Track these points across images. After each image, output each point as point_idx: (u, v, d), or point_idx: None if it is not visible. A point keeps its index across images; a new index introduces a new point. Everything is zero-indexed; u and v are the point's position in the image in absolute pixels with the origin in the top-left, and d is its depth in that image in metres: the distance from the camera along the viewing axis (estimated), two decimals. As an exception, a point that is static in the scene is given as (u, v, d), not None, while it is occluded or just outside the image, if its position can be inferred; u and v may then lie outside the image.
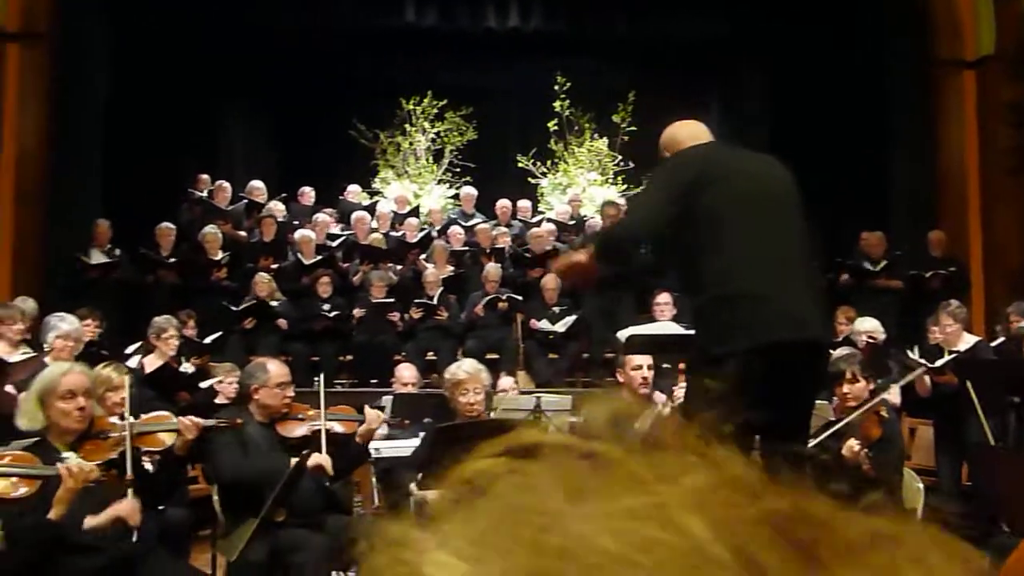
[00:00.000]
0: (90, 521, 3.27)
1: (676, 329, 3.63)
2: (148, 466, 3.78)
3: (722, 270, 3.02)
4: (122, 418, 3.60)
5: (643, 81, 11.90)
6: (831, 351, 4.37)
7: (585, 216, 10.88)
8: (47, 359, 5.41)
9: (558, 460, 0.43)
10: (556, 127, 11.87)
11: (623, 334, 3.66)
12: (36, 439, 3.44)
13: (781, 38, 10.79)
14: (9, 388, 5.02)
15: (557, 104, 11.75)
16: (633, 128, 11.73)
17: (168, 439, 3.70)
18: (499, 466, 0.44)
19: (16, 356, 5.51)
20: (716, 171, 3.12)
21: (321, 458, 4.08)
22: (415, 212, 10.96)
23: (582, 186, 11.77)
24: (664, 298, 7.47)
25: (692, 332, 3.34)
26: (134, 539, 3.30)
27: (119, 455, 3.42)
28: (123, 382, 4.21)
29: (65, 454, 3.33)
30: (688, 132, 3.40)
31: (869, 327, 6.86)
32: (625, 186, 11.82)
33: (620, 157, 11.90)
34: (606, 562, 0.37)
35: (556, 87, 11.67)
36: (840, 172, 9.87)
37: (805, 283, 3.09)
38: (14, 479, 3.01)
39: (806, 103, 10.42)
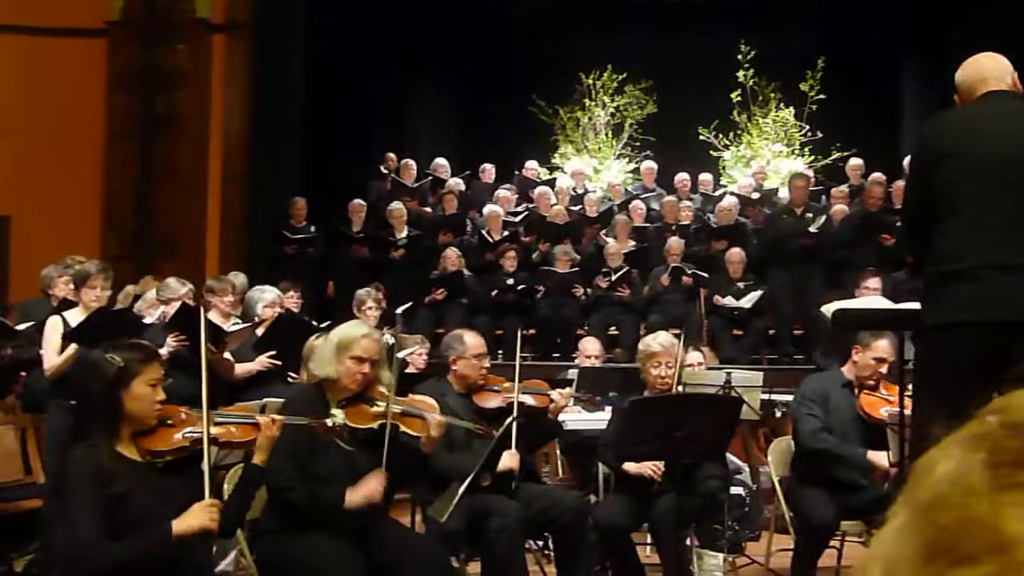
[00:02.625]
0: (350, 499, 3.45)
1: (886, 304, 3.46)
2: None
3: (943, 246, 2.96)
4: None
5: (832, 47, 11.37)
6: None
7: (769, 189, 10.56)
8: (259, 330, 5.80)
9: None
10: (739, 98, 11.52)
11: (828, 309, 3.53)
12: (316, 384, 3.68)
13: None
14: (227, 355, 5.40)
15: (740, 74, 11.40)
16: (822, 96, 11.26)
17: (421, 426, 3.72)
18: None
19: (228, 326, 5.89)
20: (951, 143, 2.98)
21: (511, 460, 4.12)
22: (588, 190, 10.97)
23: (766, 158, 11.40)
24: (874, 283, 7.00)
25: (905, 307, 3.25)
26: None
27: (379, 427, 3.56)
28: None
29: (333, 410, 3.54)
30: (977, 75, 3.08)
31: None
32: (812, 158, 11.37)
33: (807, 127, 11.44)
34: None
35: (739, 56, 11.33)
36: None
37: None
38: (233, 427, 3.25)
39: None
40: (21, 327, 5.43)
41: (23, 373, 5.00)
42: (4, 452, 5.22)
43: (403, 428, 3.65)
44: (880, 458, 4.45)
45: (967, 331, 2.85)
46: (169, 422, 3.03)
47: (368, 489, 3.49)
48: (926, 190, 3.01)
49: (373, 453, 3.57)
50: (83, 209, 9.39)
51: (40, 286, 6.11)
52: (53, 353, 4.87)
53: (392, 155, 11.04)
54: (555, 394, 4.53)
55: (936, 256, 2.97)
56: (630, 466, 4.48)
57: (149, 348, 3.11)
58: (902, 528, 0.49)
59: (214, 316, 5.86)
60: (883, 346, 4.61)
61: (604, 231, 9.71)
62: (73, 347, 4.76)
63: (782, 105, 11.51)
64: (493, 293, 8.79)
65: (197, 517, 2.87)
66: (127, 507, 2.79)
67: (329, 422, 3.40)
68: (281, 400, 4.06)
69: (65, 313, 5.02)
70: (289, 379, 5.49)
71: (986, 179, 2.91)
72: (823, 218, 8.59)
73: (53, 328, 4.91)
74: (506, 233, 9.38)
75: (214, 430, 3.09)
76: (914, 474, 0.51)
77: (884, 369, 4.66)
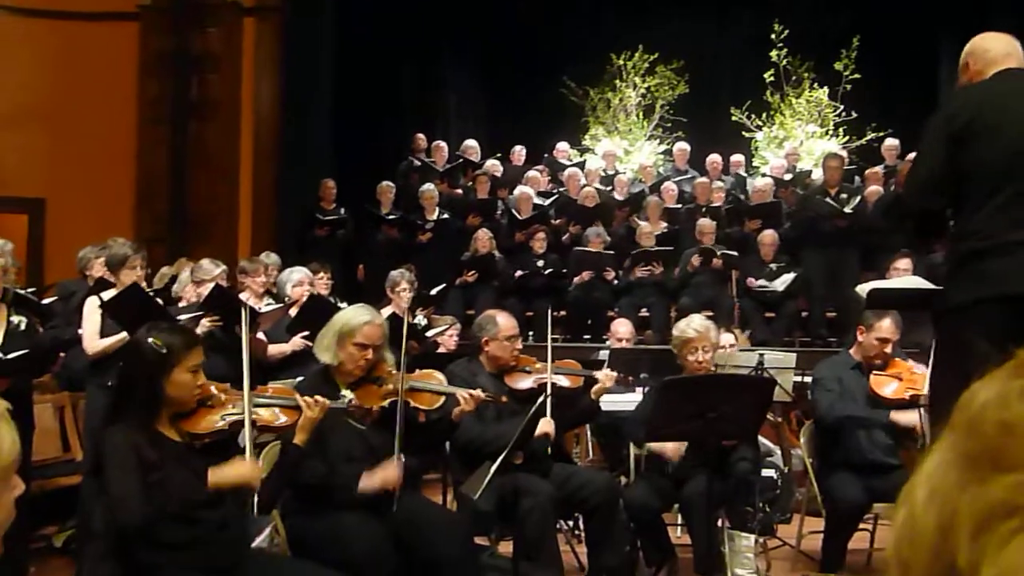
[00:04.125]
0: (364, 482, 3.49)
1: (920, 283, 3.42)
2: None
3: (972, 224, 2.91)
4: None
5: (867, 25, 11.19)
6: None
7: (803, 171, 10.45)
8: (292, 311, 5.84)
9: None
10: (772, 78, 11.40)
11: (862, 288, 3.50)
12: (323, 369, 3.71)
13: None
14: (260, 335, 5.45)
15: (773, 53, 11.27)
16: (857, 76, 11.10)
17: (437, 400, 3.79)
18: None
19: (263, 305, 5.94)
20: (985, 119, 2.92)
21: (547, 425, 4.16)
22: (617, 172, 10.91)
23: (799, 139, 11.28)
24: (904, 263, 6.95)
25: (940, 287, 3.21)
26: (394, 505, 3.45)
27: (390, 405, 3.61)
28: None
29: (343, 392, 3.58)
30: (996, 50, 3.05)
31: None
32: (847, 138, 11.23)
33: (841, 107, 11.30)
34: None
35: (773, 36, 11.19)
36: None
37: None
38: (276, 409, 3.28)
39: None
40: (47, 301, 5.53)
41: (62, 354, 5.07)
42: (43, 430, 5.31)
43: (413, 404, 3.69)
44: (906, 417, 4.45)
45: (998, 306, 2.83)
46: (209, 403, 3.05)
47: (385, 475, 3.51)
48: (948, 162, 2.95)
49: (385, 430, 3.60)
50: (117, 192, 9.49)
51: (78, 267, 6.20)
52: (93, 333, 4.93)
53: (421, 136, 11.05)
54: (604, 373, 4.53)
55: (965, 234, 2.94)
56: (654, 445, 4.56)
57: (191, 334, 3.11)
58: (946, 447, 0.51)
59: (247, 297, 5.92)
60: (886, 326, 4.61)
61: (635, 214, 9.65)
62: (123, 335, 4.81)
63: (816, 85, 11.37)
64: (519, 274, 8.76)
65: (238, 469, 2.90)
66: (164, 486, 2.82)
67: (365, 404, 3.42)
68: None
69: (103, 293, 5.07)
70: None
71: (1017, 158, 2.86)
72: (857, 199, 8.49)
73: (91, 308, 4.96)
74: (535, 213, 9.36)
75: (254, 414, 3.11)
76: (958, 405, 0.53)
77: (888, 349, 4.66)
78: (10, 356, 4.26)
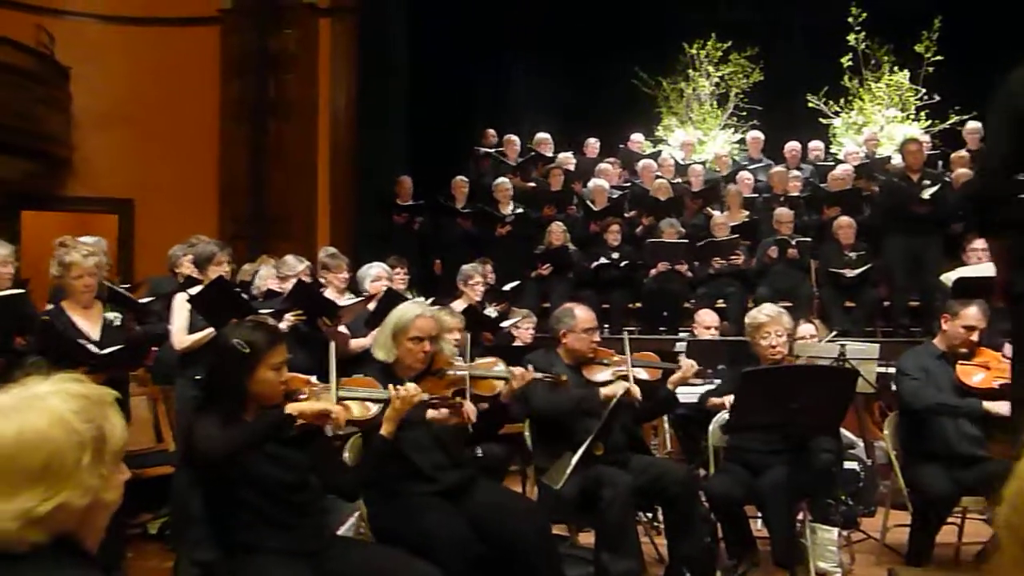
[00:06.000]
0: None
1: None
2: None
3: None
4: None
5: (949, 5, 10.87)
6: None
7: (881, 157, 10.21)
8: (371, 305, 5.95)
9: None
10: (850, 62, 11.17)
11: (948, 277, 3.43)
12: (384, 367, 3.76)
13: None
14: (342, 328, 5.57)
15: (851, 37, 11.05)
16: (939, 58, 10.80)
17: (498, 386, 3.89)
18: None
19: (344, 300, 6.06)
20: None
21: (632, 387, 4.21)
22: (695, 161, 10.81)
23: (879, 124, 11.02)
24: (980, 243, 6.78)
25: None
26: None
27: (453, 394, 3.68)
28: (457, 325, 4.56)
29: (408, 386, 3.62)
30: None
31: None
32: (929, 122, 10.92)
33: (923, 91, 10.99)
34: None
35: (850, 19, 10.96)
36: None
37: None
38: (362, 403, 3.34)
39: None
40: (144, 300, 5.75)
41: (154, 348, 5.26)
42: (137, 421, 5.52)
43: (474, 391, 3.76)
44: (1000, 407, 4.33)
45: None
46: (295, 397, 3.11)
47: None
48: (1017, 140, 2.80)
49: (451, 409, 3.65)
50: (201, 191, 9.77)
51: (168, 265, 6.41)
52: (181, 328, 5.10)
53: (492, 132, 11.10)
54: (684, 362, 4.54)
55: None
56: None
57: (275, 332, 3.17)
58: None
59: (329, 292, 6.05)
60: (972, 314, 4.49)
61: (709, 205, 9.56)
62: (210, 330, 4.96)
63: (896, 68, 11.09)
64: (593, 265, 8.74)
65: (322, 401, 2.97)
66: (247, 472, 2.91)
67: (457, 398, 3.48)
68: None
69: (190, 290, 5.24)
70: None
71: None
72: (939, 185, 8.26)
73: (180, 305, 5.13)
74: (608, 205, 9.34)
75: (344, 413, 3.17)
76: None
77: (975, 337, 4.53)
78: (107, 351, 4.44)
